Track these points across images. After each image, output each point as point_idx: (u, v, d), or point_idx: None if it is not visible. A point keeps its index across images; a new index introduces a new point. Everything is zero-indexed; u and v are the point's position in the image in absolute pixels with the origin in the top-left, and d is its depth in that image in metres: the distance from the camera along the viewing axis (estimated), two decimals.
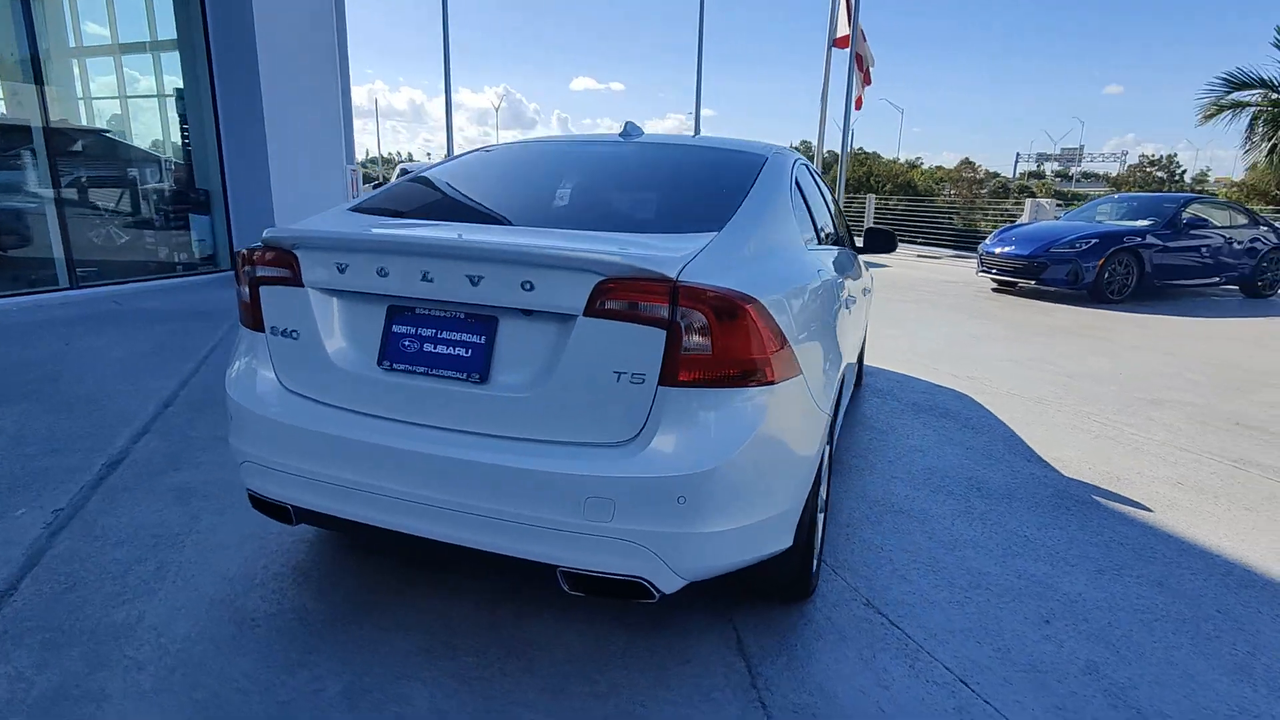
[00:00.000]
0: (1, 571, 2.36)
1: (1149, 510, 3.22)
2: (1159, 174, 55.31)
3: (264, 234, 2.07)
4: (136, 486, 3.00)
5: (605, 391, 1.74)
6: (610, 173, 2.70)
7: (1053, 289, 9.48)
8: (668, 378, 1.71)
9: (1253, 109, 13.68)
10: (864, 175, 30.89)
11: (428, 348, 1.89)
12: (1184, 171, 58.20)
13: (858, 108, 20.07)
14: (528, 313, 1.80)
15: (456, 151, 18.03)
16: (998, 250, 9.86)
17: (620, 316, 1.71)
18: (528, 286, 1.75)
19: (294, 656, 2.02)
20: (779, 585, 2.24)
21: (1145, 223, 9.53)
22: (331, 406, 1.99)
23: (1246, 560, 2.80)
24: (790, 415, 1.89)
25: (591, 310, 1.72)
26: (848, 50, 20.94)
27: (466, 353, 1.85)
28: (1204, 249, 9.56)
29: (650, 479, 1.68)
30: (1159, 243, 9.22)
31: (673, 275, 1.69)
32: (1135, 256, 9.06)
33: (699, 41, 18.96)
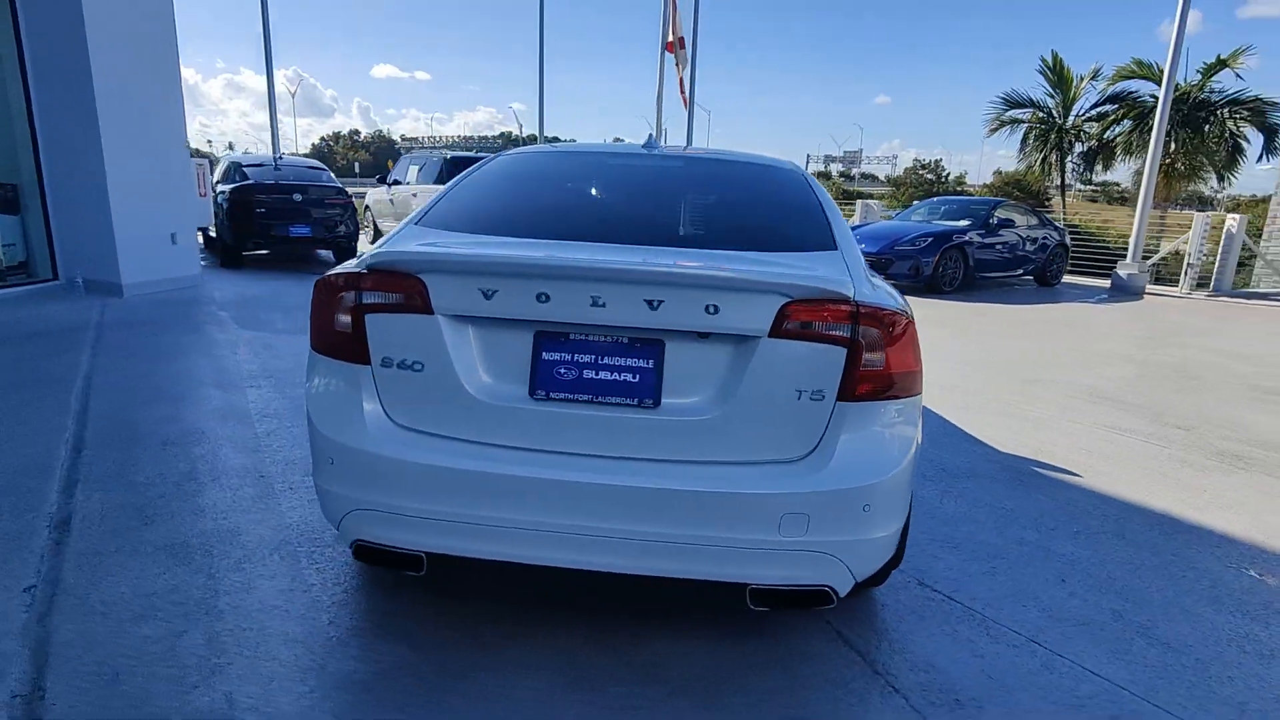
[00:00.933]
0: (11, 671, 1.93)
1: (1079, 476, 3.80)
2: (929, 176, 63.53)
3: (377, 256, 1.88)
4: (113, 549, 2.55)
5: (785, 409, 1.80)
6: (678, 188, 2.71)
7: (894, 282, 10.63)
8: (845, 393, 1.80)
9: (1025, 125, 16.21)
10: None
11: (588, 374, 1.83)
12: (949, 175, 67.35)
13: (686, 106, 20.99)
14: (702, 335, 1.81)
15: (282, 141, 16.39)
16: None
17: (805, 336, 1.77)
18: (712, 310, 1.76)
19: (434, 714, 1.87)
20: (877, 578, 2.41)
21: (965, 223, 10.96)
22: (470, 442, 1.86)
23: (1167, 510, 3.42)
24: (920, 420, 2.06)
25: (776, 331, 1.77)
26: (681, 51, 21.85)
27: (634, 378, 1.82)
28: (1010, 245, 11.18)
29: (844, 490, 1.77)
30: (979, 240, 10.65)
31: (852, 295, 1.78)
32: (962, 252, 10.40)
33: (540, 34, 18.82)
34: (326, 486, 1.95)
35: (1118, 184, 18.29)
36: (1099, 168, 15.66)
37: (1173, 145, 14.10)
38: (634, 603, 2.39)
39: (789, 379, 1.79)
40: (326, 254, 11.45)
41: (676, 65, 21.72)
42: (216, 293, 7.83)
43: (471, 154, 14.38)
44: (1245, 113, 13.61)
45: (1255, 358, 6.99)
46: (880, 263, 10.38)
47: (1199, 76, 14.12)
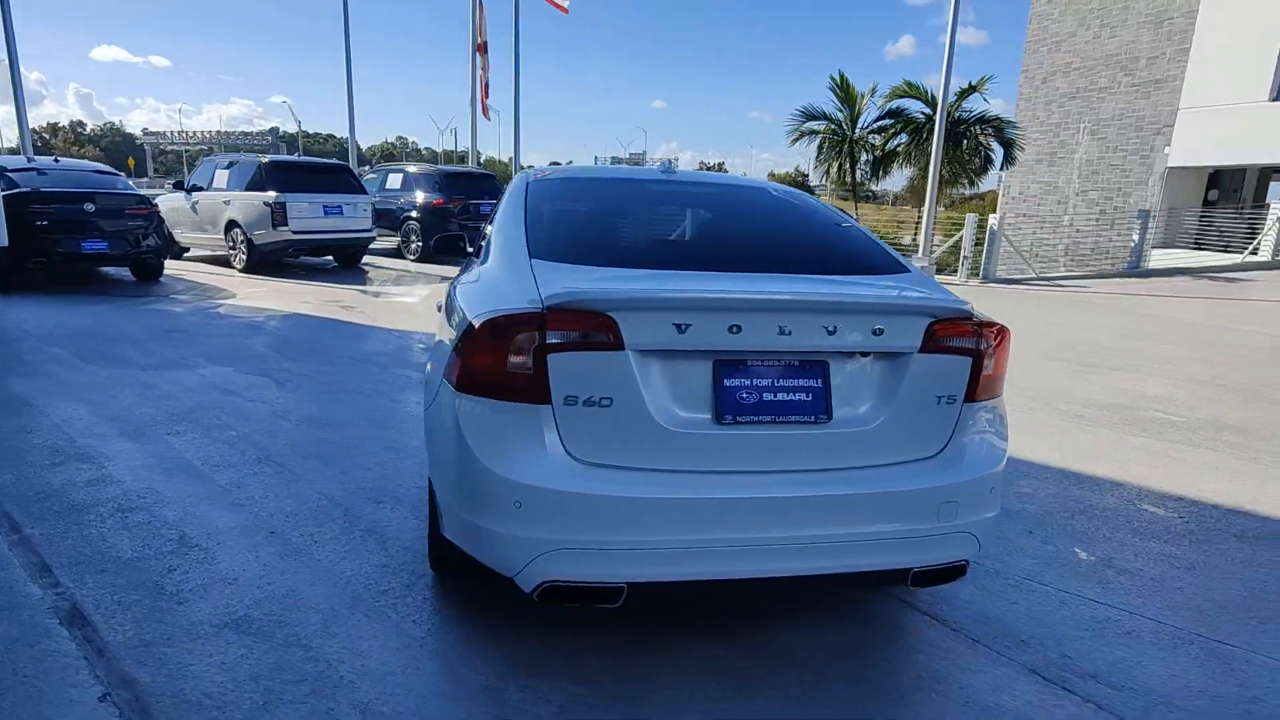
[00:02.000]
0: None
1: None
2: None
3: (563, 296, 1.88)
4: (163, 636, 2.22)
5: (928, 414, 2.09)
6: (745, 214, 2.88)
7: None
8: (969, 396, 2.13)
9: (819, 136, 18.18)
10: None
11: (767, 397, 1.98)
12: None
13: (485, 117, 20.83)
14: (864, 354, 2.04)
15: (29, 139, 13.79)
16: None
17: (946, 350, 2.07)
18: (878, 331, 2.00)
19: None
20: None
21: None
22: (662, 470, 1.93)
23: (1047, 461, 4.21)
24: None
25: (925, 347, 2.05)
26: (484, 56, 21.60)
27: (807, 397, 2.01)
28: None
29: (980, 478, 2.10)
30: None
31: (973, 312, 2.11)
32: None
33: (345, 28, 17.59)
34: (511, 532, 1.90)
35: (887, 191, 21.19)
36: (882, 174, 18.07)
37: (937, 154, 16.63)
38: (746, 604, 2.55)
39: (931, 387, 2.08)
40: (119, 271, 9.95)
41: (481, 69, 21.46)
42: (25, 325, 6.55)
43: (296, 158, 13.16)
44: (990, 129, 16.57)
45: (1041, 330, 8.58)
46: None
47: (954, 98, 16.87)
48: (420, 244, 13.55)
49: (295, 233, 11.19)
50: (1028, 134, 17.79)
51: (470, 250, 4.47)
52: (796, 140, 18.32)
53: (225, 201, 11.57)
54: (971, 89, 16.46)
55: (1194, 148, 17.58)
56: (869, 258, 2.54)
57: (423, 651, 2.22)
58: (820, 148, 18.24)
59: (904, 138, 17.20)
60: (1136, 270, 15.15)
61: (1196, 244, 16.93)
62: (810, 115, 18.21)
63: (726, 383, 1.97)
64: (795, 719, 2.04)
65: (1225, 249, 16.57)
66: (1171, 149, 18.00)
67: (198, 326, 6.99)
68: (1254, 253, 16.09)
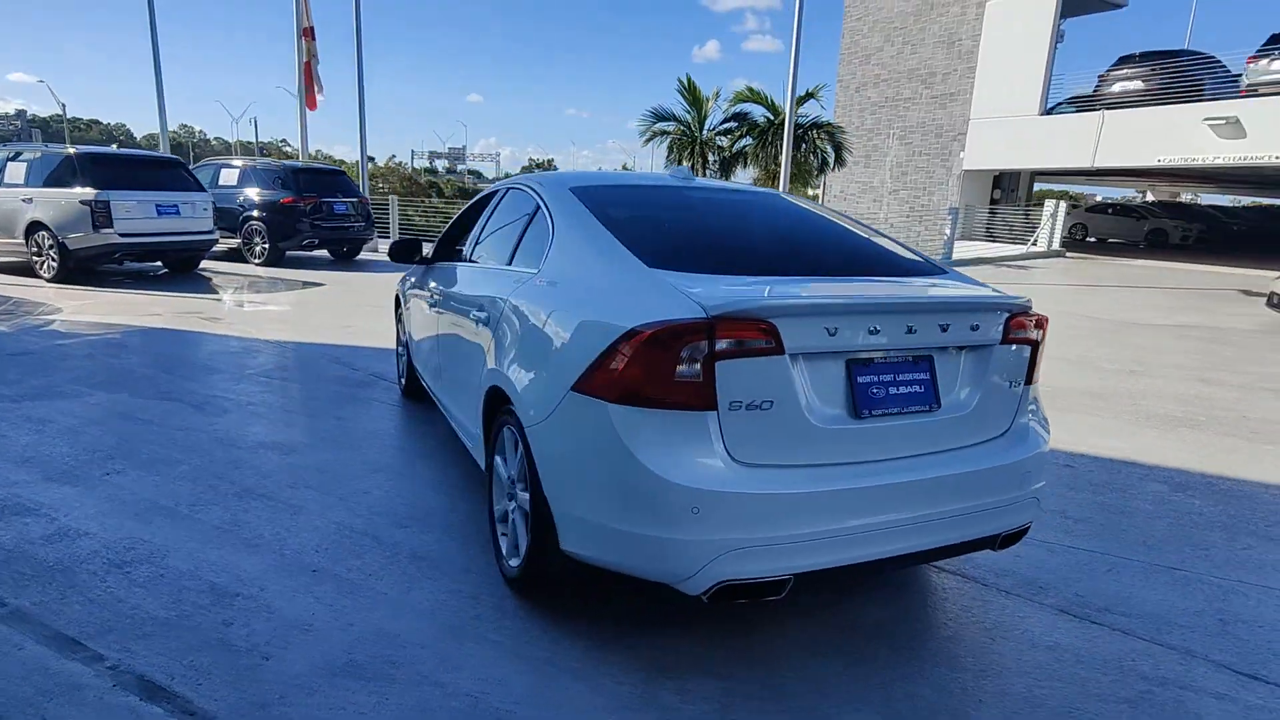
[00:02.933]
0: None
1: None
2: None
3: (731, 305, 1.94)
4: (274, 697, 1.99)
5: (1003, 396, 2.40)
6: (790, 221, 3.02)
7: None
8: (1028, 379, 2.47)
9: (670, 136, 18.84)
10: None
11: (891, 390, 2.18)
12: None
13: (312, 108, 19.50)
14: (960, 348, 2.29)
15: None
16: None
17: (1017, 341, 2.39)
18: (975, 328, 2.26)
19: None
20: None
21: None
22: (813, 465, 2.07)
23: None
24: None
25: (1004, 339, 2.34)
26: (311, 43, 20.09)
27: (920, 389, 2.23)
28: None
29: (1045, 450, 2.44)
30: None
31: (1030, 306, 2.44)
32: None
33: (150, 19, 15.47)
34: (688, 538, 1.94)
35: None
36: (729, 174, 19.05)
37: (780, 156, 17.90)
38: (830, 586, 2.74)
39: (1006, 373, 2.38)
40: None
41: (307, 56, 19.94)
42: None
43: (115, 150, 11.41)
44: (825, 134, 18.10)
45: None
46: None
47: (794, 104, 18.23)
48: (266, 246, 12.38)
49: (123, 236, 9.81)
50: (847, 138, 19.62)
51: (423, 254, 4.28)
52: (649, 140, 18.90)
53: (25, 200, 9.88)
54: (809, 95, 17.87)
55: (982, 153, 20.31)
56: (923, 261, 2.81)
57: (557, 671, 2.19)
58: (671, 148, 18.92)
59: (749, 140, 18.30)
60: (948, 261, 17.28)
61: (990, 236, 19.59)
62: (661, 116, 18.84)
63: (859, 380, 2.14)
64: (916, 673, 2.26)
65: (1011, 240, 19.36)
66: (965, 154, 20.66)
67: (44, 348, 5.99)
68: (1034, 244, 18.95)
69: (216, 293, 9.51)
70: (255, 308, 8.53)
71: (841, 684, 2.21)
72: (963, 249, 18.83)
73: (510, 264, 3.01)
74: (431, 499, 3.37)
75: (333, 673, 2.10)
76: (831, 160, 18.22)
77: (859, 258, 2.74)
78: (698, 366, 1.94)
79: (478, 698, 2.04)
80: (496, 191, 3.75)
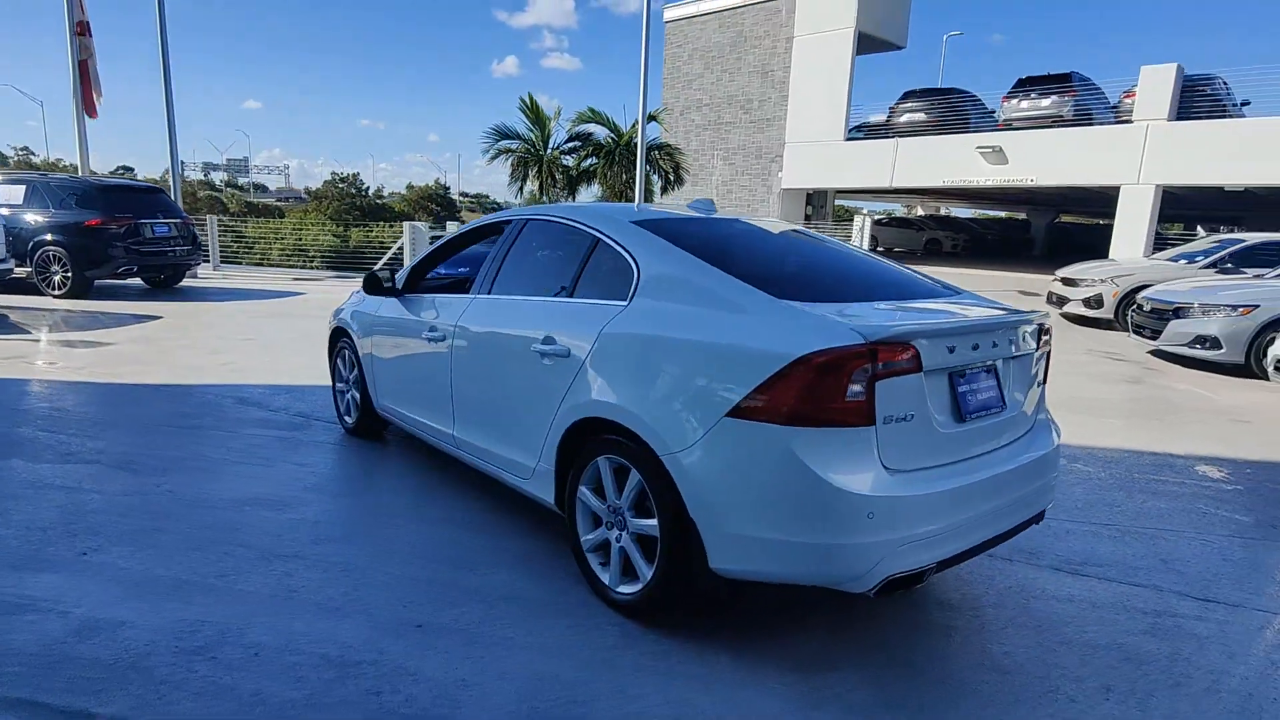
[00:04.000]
0: None
1: None
2: (351, 190, 63.91)
3: (889, 330, 2.21)
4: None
5: (1034, 396, 2.88)
6: (823, 251, 3.28)
7: None
8: (1044, 379, 2.98)
9: (514, 154, 18.73)
10: None
11: (978, 397, 2.56)
12: (368, 188, 68.75)
13: (92, 115, 17.31)
14: (1012, 357, 2.73)
15: None
16: None
17: (1043, 348, 2.88)
18: (1024, 339, 2.72)
19: (959, 697, 2.36)
20: None
21: None
22: (939, 466, 2.38)
23: None
24: None
25: (1037, 346, 2.83)
26: (86, 39, 17.70)
27: (994, 393, 2.63)
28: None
29: (1059, 439, 2.96)
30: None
31: (1047, 320, 2.96)
32: None
33: None
34: (863, 540, 2.16)
35: None
36: (574, 193, 19.29)
37: (625, 176, 18.55)
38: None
39: (1036, 375, 2.87)
40: None
41: (83, 56, 17.54)
42: None
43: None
44: (666, 155, 18.98)
45: None
46: None
47: (630, 126, 19.06)
48: (69, 276, 10.67)
49: None
50: (684, 158, 20.81)
51: (388, 285, 4.11)
52: (494, 158, 18.67)
53: None
54: (651, 118, 18.64)
55: (798, 174, 22.40)
56: (941, 284, 3.22)
57: (724, 683, 2.30)
58: (515, 165, 18.84)
59: (594, 160, 18.72)
60: None
61: None
62: (504, 134, 18.70)
63: (959, 389, 2.49)
64: (995, 638, 2.65)
65: None
66: (783, 174, 22.65)
67: None
68: None
69: (30, 332, 8.11)
70: (91, 348, 7.40)
71: (945, 651, 2.54)
72: None
73: (573, 296, 3.04)
74: (474, 538, 3.28)
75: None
76: (672, 179, 19.19)
77: (909, 283, 3.11)
78: (862, 387, 2.18)
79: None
80: (506, 222, 3.71)
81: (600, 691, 2.22)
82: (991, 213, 45.52)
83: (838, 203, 31.67)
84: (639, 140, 14.70)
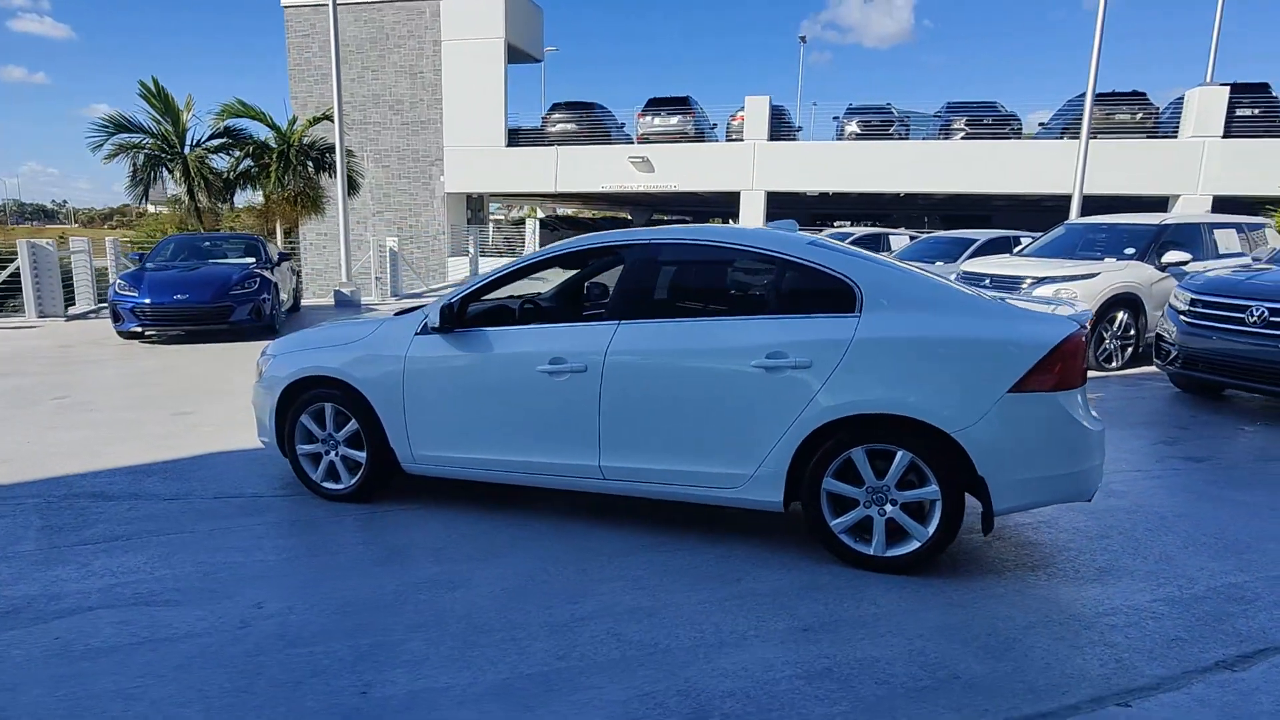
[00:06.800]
0: None
1: None
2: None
3: (1082, 318, 3.16)
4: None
5: None
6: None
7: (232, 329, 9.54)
8: None
9: (141, 150, 14.96)
10: None
11: None
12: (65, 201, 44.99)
13: None
14: None
15: None
16: (151, 302, 9.00)
17: None
18: None
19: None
20: None
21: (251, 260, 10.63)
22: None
23: None
24: None
25: None
26: None
27: None
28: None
29: None
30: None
31: None
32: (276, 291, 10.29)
33: None
34: (1098, 462, 3.11)
35: (240, 212, 18.32)
36: (230, 198, 16.15)
37: (289, 179, 16.28)
38: None
39: None
40: None
41: None
42: None
43: None
44: (334, 157, 16.97)
45: None
46: (218, 310, 9.23)
47: (302, 124, 16.64)
48: None
49: None
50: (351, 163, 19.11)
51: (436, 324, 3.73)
52: (112, 157, 14.61)
53: None
54: (324, 117, 16.66)
55: (463, 178, 22.44)
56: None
57: (939, 594, 3.05)
58: (144, 165, 15.11)
59: (250, 161, 16.05)
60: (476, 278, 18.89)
61: (483, 253, 21.96)
62: (123, 126, 14.74)
63: None
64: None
65: (501, 254, 22.17)
66: (446, 179, 22.44)
67: None
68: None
69: None
70: None
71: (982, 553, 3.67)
72: (461, 266, 20.73)
73: (776, 313, 3.35)
74: (718, 565, 3.37)
75: None
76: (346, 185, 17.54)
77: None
78: (1083, 357, 3.11)
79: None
80: (613, 247, 3.73)
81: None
82: (594, 213, 50.97)
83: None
84: (337, 140, 13.32)
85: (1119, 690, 2.34)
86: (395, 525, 3.74)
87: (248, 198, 16.90)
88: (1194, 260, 8.31)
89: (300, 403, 4.07)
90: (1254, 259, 8.23)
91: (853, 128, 20.75)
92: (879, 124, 20.71)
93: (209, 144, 16.10)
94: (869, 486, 3.20)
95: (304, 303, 13.69)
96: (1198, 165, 17.90)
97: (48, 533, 3.64)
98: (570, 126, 22.23)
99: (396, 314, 4.27)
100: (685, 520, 3.73)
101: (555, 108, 22.88)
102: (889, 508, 3.20)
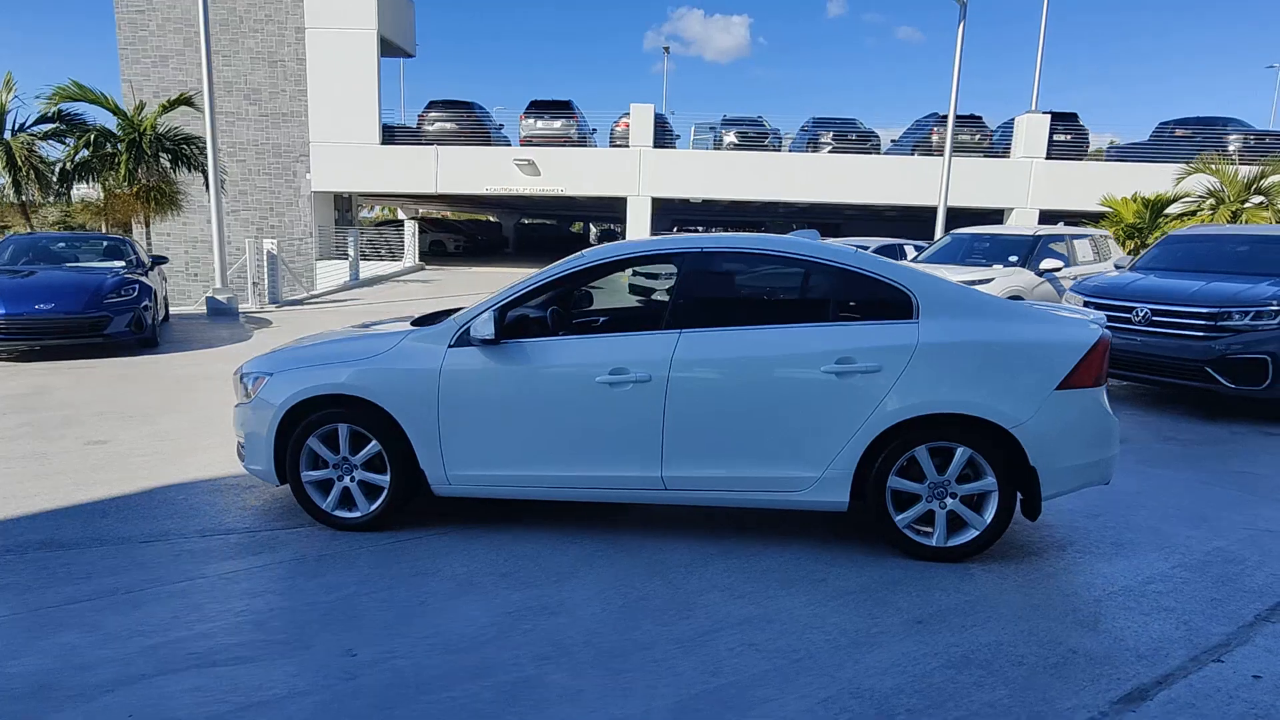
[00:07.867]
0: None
1: None
2: None
3: (1101, 321, 3.53)
4: None
5: None
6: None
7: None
8: None
9: None
10: None
11: None
12: None
13: None
14: None
15: None
16: (6, 313, 7.71)
17: None
18: None
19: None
20: None
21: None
22: None
23: None
24: None
25: None
26: None
27: None
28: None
29: None
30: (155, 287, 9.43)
31: None
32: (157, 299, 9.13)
33: None
34: (1116, 450, 3.49)
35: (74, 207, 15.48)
36: (66, 189, 13.87)
37: (141, 172, 14.37)
38: None
39: None
40: None
41: None
42: None
43: None
44: (197, 148, 15.13)
45: None
46: (95, 321, 8.07)
47: (156, 110, 14.66)
48: None
49: None
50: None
51: (485, 337, 3.54)
52: None
53: None
54: (183, 100, 14.81)
55: (331, 176, 20.98)
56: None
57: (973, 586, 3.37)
58: None
59: (88, 151, 13.99)
60: (359, 281, 17.75)
61: (364, 255, 20.66)
62: None
63: None
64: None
65: (384, 259, 20.98)
66: (312, 176, 20.89)
67: None
68: (402, 259, 21.06)
69: None
70: None
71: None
72: (332, 269, 19.40)
73: (836, 320, 3.48)
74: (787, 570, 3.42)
75: None
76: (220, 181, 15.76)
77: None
78: (1108, 355, 3.49)
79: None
80: (669, 254, 3.69)
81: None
82: (456, 214, 49.40)
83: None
84: (208, 130, 11.97)
85: (1204, 649, 2.67)
86: (436, 553, 3.48)
87: (82, 193, 14.77)
88: (1065, 266, 9.48)
89: (307, 425, 3.69)
90: (1115, 265, 9.55)
91: (731, 138, 21.63)
92: (755, 135, 21.74)
93: (35, 130, 13.91)
94: (931, 482, 3.40)
95: (171, 311, 12.21)
96: (1027, 181, 20.35)
97: (13, 593, 3.05)
98: (449, 126, 21.46)
99: (413, 323, 3.99)
100: (736, 526, 3.77)
101: (432, 106, 21.99)
102: (949, 501, 3.41)
